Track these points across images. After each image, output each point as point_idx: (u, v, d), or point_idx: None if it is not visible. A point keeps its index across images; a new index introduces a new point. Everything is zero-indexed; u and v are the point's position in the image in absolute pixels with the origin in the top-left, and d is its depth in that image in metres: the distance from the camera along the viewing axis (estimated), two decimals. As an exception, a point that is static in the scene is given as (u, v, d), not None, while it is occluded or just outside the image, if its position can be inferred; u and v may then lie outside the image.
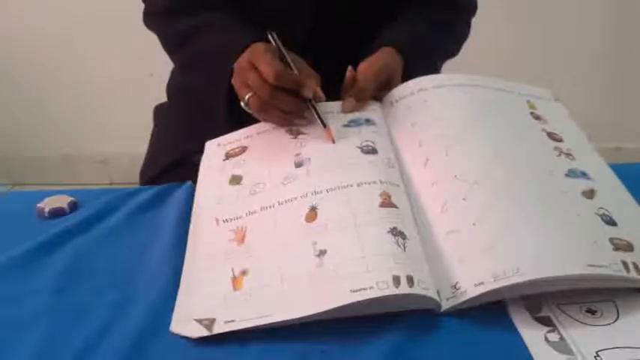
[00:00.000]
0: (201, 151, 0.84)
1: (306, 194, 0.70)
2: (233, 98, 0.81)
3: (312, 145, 0.77)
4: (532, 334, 0.58)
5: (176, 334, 0.60)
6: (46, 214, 0.77)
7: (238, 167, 0.78)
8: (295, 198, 0.70)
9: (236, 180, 0.76)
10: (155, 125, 1.10)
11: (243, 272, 0.65)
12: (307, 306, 0.59)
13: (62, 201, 0.79)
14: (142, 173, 1.05)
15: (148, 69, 1.84)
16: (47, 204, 0.78)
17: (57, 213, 0.78)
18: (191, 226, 0.73)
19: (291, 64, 0.78)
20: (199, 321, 0.60)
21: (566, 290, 0.61)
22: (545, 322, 0.59)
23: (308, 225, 0.67)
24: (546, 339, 0.57)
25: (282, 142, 0.79)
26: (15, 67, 2.11)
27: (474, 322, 0.60)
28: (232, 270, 0.65)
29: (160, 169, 0.99)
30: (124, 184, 1.45)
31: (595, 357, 0.55)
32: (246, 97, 0.77)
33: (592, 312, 0.60)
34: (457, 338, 0.58)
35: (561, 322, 0.59)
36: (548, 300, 0.61)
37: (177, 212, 0.76)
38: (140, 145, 1.09)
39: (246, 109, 0.79)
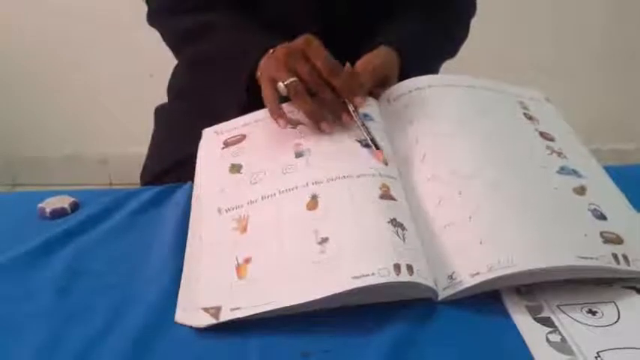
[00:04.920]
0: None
1: (307, 183, 0.71)
2: (246, 98, 0.81)
3: (311, 135, 0.78)
4: (533, 335, 0.58)
5: (181, 326, 0.60)
6: (48, 215, 0.77)
7: (237, 156, 0.78)
8: (296, 187, 0.71)
9: (236, 169, 0.76)
10: (156, 126, 1.10)
11: (247, 260, 0.65)
12: (310, 292, 0.59)
13: (63, 201, 0.79)
14: (143, 174, 1.05)
15: (147, 69, 1.84)
16: (49, 204, 0.78)
17: (58, 213, 0.78)
18: (192, 215, 0.74)
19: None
20: (206, 309, 0.61)
21: (567, 291, 0.62)
22: (546, 323, 0.59)
23: (309, 213, 0.68)
24: (547, 340, 0.57)
25: (281, 131, 0.79)
26: (15, 67, 2.11)
27: (475, 325, 0.60)
28: (236, 258, 0.65)
29: (161, 170, 0.99)
30: (124, 184, 1.45)
31: (596, 357, 0.55)
32: (288, 80, 0.76)
33: (593, 313, 0.60)
34: (457, 340, 0.58)
35: (562, 323, 0.59)
36: (549, 301, 0.61)
37: (178, 213, 0.76)
38: (140, 146, 1.09)
39: (282, 91, 0.77)
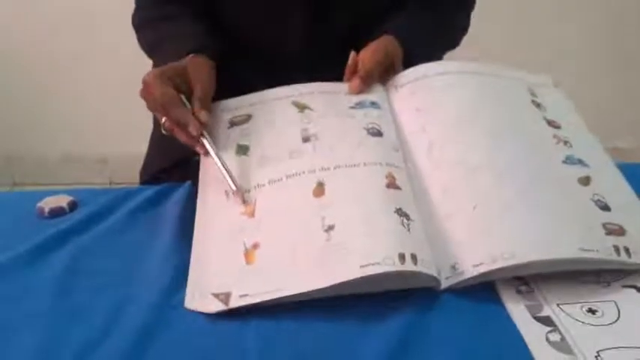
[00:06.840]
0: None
1: (314, 170, 0.71)
2: None
3: (318, 121, 0.78)
4: (533, 334, 0.58)
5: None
6: (46, 214, 0.77)
7: (244, 137, 0.78)
8: (303, 172, 0.71)
9: (243, 150, 0.76)
10: (155, 125, 1.10)
11: (255, 246, 0.65)
12: (318, 279, 0.60)
13: (62, 201, 0.79)
14: (142, 173, 1.05)
15: (147, 69, 1.84)
16: (47, 204, 0.78)
17: (57, 212, 0.78)
18: (199, 197, 0.73)
19: (183, 98, 0.77)
20: (216, 295, 0.61)
21: (567, 290, 0.62)
22: (546, 322, 0.59)
23: (316, 200, 0.68)
24: (547, 339, 0.57)
25: (287, 114, 0.79)
26: (15, 67, 2.11)
27: (476, 324, 0.60)
28: (244, 243, 0.66)
29: (160, 169, 0.99)
30: (124, 184, 1.44)
31: (596, 357, 0.55)
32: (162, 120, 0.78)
33: (593, 312, 0.60)
34: (457, 337, 0.58)
35: (562, 322, 0.59)
36: (549, 300, 0.61)
37: (178, 212, 0.76)
38: (140, 145, 1.09)
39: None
